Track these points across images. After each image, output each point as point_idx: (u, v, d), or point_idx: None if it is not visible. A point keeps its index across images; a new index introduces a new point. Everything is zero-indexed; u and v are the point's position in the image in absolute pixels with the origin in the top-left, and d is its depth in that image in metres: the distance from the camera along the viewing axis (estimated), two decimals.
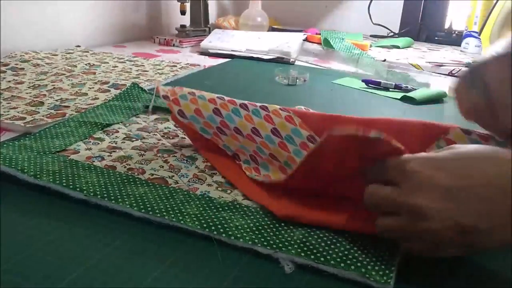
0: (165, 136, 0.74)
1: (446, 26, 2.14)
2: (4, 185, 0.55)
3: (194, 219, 0.48)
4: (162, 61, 1.35)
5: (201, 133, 0.62)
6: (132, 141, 0.70)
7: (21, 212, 0.50)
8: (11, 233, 0.45)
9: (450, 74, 1.39)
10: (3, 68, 1.09)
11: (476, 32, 1.77)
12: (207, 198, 0.53)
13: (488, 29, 1.67)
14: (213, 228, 0.46)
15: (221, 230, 0.46)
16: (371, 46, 1.79)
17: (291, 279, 0.41)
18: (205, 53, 1.57)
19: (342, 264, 0.41)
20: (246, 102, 0.62)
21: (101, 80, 1.04)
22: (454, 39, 2.05)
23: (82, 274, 0.40)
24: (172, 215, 0.48)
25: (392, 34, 2.13)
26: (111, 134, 0.73)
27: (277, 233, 0.46)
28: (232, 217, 0.49)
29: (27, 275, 0.39)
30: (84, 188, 0.53)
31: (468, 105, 0.49)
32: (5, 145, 0.64)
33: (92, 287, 0.38)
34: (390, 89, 1.14)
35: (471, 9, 1.81)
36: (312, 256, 0.42)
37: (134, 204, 0.50)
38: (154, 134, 0.74)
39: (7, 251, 0.42)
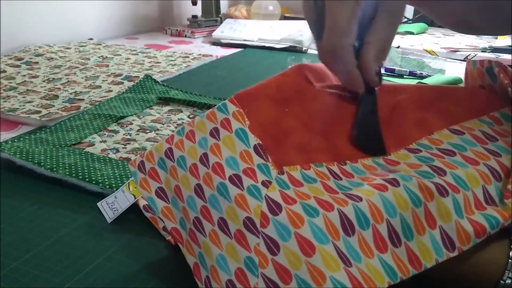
0: (179, 127, 0.74)
1: None
2: (21, 178, 0.56)
3: None
4: (175, 52, 1.36)
5: (180, 229, 0.38)
6: (146, 132, 0.71)
7: (38, 204, 0.50)
8: (27, 225, 0.46)
9: (466, 59, 1.37)
10: (17, 63, 1.10)
11: None
12: None
13: None
14: None
15: None
16: None
17: None
18: (217, 43, 1.57)
19: None
20: (244, 167, 0.36)
21: (114, 73, 1.05)
22: None
23: (100, 269, 0.40)
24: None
25: (406, 20, 2.10)
26: (125, 126, 0.73)
27: None
28: None
29: (42, 268, 0.40)
30: (100, 180, 0.53)
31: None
32: (21, 139, 0.64)
33: (109, 279, 0.39)
34: (405, 76, 1.13)
35: None
36: None
37: None
38: (168, 126, 0.74)
39: (24, 243, 0.43)
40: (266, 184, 0.35)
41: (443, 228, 0.34)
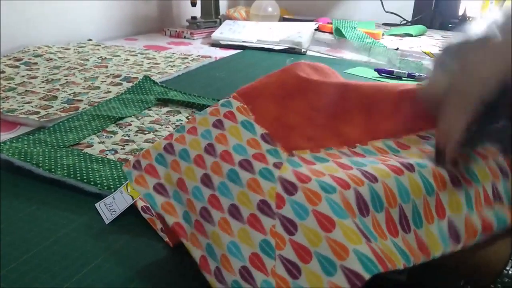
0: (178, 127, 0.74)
1: (460, 12, 2.10)
2: (19, 179, 0.56)
3: None
4: (174, 53, 1.36)
5: (184, 223, 0.36)
6: (145, 134, 0.71)
7: (36, 205, 0.50)
8: (25, 226, 0.46)
9: None
10: (16, 63, 1.10)
11: None
12: None
13: None
14: None
15: None
16: (383, 34, 1.77)
17: None
18: (216, 44, 1.57)
19: None
20: (253, 152, 0.36)
21: (113, 74, 1.05)
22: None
23: (98, 270, 0.40)
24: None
25: (405, 22, 2.10)
26: (124, 127, 0.73)
27: None
28: None
29: (41, 268, 0.40)
30: (98, 181, 0.53)
31: (433, 90, 0.39)
32: (20, 140, 0.64)
33: (107, 279, 0.39)
34: (403, 78, 1.13)
35: None
36: None
37: None
38: (167, 127, 0.74)
39: (22, 243, 0.43)
40: (277, 166, 0.35)
41: (452, 219, 0.34)
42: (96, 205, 0.49)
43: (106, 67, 1.13)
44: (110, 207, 0.48)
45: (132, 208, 0.48)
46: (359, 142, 0.39)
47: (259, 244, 0.31)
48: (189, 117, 0.79)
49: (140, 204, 0.48)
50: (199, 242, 0.34)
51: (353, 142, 0.39)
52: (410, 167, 0.34)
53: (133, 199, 0.48)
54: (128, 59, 1.24)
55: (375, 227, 0.31)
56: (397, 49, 1.51)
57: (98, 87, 0.95)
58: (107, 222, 0.47)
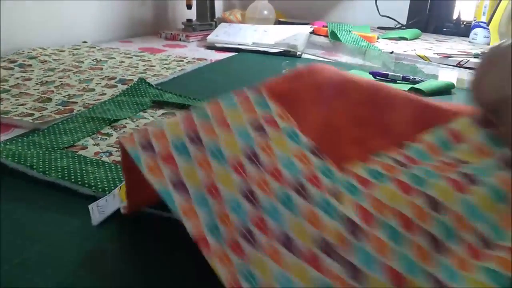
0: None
1: (454, 17, 2.12)
2: (13, 181, 0.55)
3: None
4: (169, 56, 1.35)
5: (209, 234, 0.30)
6: None
7: (30, 207, 0.50)
8: (19, 228, 0.46)
9: (458, 65, 1.38)
10: (11, 65, 1.10)
11: (485, 23, 1.75)
12: None
13: (497, 20, 1.65)
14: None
15: None
16: (378, 38, 1.78)
17: None
18: (211, 47, 1.57)
19: None
20: (305, 172, 0.33)
21: (108, 76, 1.05)
22: (463, 30, 2.03)
23: (93, 273, 0.40)
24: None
25: (399, 25, 2.11)
26: (118, 129, 0.73)
27: None
28: None
29: (34, 272, 0.40)
30: (93, 184, 0.53)
31: (486, 92, 0.37)
32: (14, 142, 0.64)
33: (103, 282, 0.39)
34: (398, 81, 1.13)
35: None
36: None
37: None
38: None
39: (15, 246, 0.43)
40: (335, 195, 0.31)
41: None
42: (89, 206, 0.49)
43: (101, 69, 1.13)
44: (101, 209, 0.47)
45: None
46: (407, 137, 0.36)
47: (317, 283, 0.28)
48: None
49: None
50: (231, 261, 0.29)
51: (401, 138, 0.36)
52: (471, 179, 0.31)
53: (121, 201, 0.47)
54: (123, 61, 1.24)
55: (455, 261, 0.28)
56: (392, 52, 1.51)
57: (93, 89, 0.95)
58: (93, 223, 0.46)
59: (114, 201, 0.48)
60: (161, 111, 0.83)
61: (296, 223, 0.29)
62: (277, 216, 0.29)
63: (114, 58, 1.27)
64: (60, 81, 0.99)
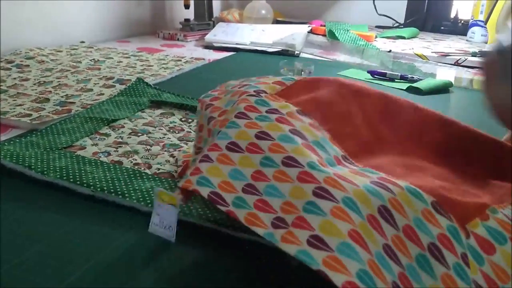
0: (171, 130, 0.74)
1: (452, 15, 2.12)
2: (11, 182, 0.55)
3: (201, 213, 0.48)
4: (167, 55, 1.35)
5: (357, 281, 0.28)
6: (138, 136, 0.70)
7: (29, 207, 0.50)
8: (18, 229, 0.46)
9: (456, 63, 1.38)
10: (8, 66, 1.10)
11: (482, 21, 1.75)
12: None
13: (494, 18, 1.65)
14: (220, 223, 0.46)
15: (229, 225, 0.46)
16: (376, 37, 1.78)
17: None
18: (209, 46, 1.57)
19: None
20: (438, 233, 0.32)
21: (106, 76, 1.04)
22: (460, 29, 2.04)
23: (91, 273, 0.40)
24: (180, 211, 0.48)
25: (397, 24, 2.11)
26: (117, 129, 0.73)
27: None
28: None
29: (33, 271, 0.40)
30: (91, 183, 0.53)
31: (500, 99, 0.38)
32: (12, 142, 0.64)
33: (100, 282, 0.39)
34: (396, 80, 1.13)
35: None
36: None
37: (141, 199, 0.50)
38: (160, 129, 0.74)
39: (15, 246, 0.43)
40: (464, 259, 0.30)
41: None
42: (150, 231, 0.43)
43: (99, 69, 1.13)
44: (163, 225, 0.42)
45: (129, 209, 0.48)
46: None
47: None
48: (183, 119, 0.79)
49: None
50: None
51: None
52: None
53: (175, 207, 0.42)
54: (121, 61, 1.24)
55: None
56: (389, 51, 1.51)
57: (91, 89, 0.95)
58: (172, 240, 0.42)
59: (166, 211, 0.42)
60: (159, 111, 0.83)
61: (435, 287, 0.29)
62: (418, 278, 0.29)
63: (112, 58, 1.27)
64: (58, 81, 0.99)
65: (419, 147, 0.42)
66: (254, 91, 0.43)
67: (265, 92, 0.43)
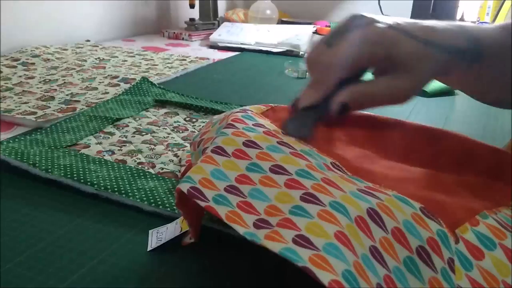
0: (175, 130, 0.74)
1: (458, 17, 2.11)
2: (14, 179, 0.55)
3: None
4: (172, 55, 1.36)
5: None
6: (142, 135, 0.71)
7: (32, 205, 0.50)
8: (21, 226, 0.46)
9: None
10: (14, 63, 1.10)
11: (488, 23, 1.75)
12: None
13: (501, 20, 1.65)
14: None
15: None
16: None
17: None
18: (214, 46, 1.57)
19: None
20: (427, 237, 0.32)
21: (111, 75, 1.05)
22: None
23: (94, 272, 0.40)
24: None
25: None
26: (121, 128, 0.73)
27: None
28: None
29: (36, 270, 0.40)
30: (95, 182, 0.53)
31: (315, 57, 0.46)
32: (17, 140, 0.64)
33: (103, 281, 0.39)
34: None
35: None
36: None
37: (145, 198, 0.50)
38: (164, 128, 0.74)
39: (18, 244, 0.43)
40: (450, 264, 0.31)
41: None
42: (150, 231, 0.45)
43: (104, 68, 1.13)
44: (159, 236, 0.44)
45: (129, 208, 0.48)
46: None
47: None
48: (187, 119, 0.79)
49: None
50: None
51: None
52: None
53: (181, 231, 0.44)
54: (126, 60, 1.24)
55: None
56: None
57: (96, 88, 0.95)
58: (148, 249, 0.43)
59: (174, 229, 0.45)
60: (163, 110, 0.83)
61: None
62: (404, 281, 0.29)
63: (117, 57, 1.28)
64: (63, 80, 1.00)
65: (407, 164, 0.43)
66: (241, 109, 0.43)
67: (251, 111, 0.44)
